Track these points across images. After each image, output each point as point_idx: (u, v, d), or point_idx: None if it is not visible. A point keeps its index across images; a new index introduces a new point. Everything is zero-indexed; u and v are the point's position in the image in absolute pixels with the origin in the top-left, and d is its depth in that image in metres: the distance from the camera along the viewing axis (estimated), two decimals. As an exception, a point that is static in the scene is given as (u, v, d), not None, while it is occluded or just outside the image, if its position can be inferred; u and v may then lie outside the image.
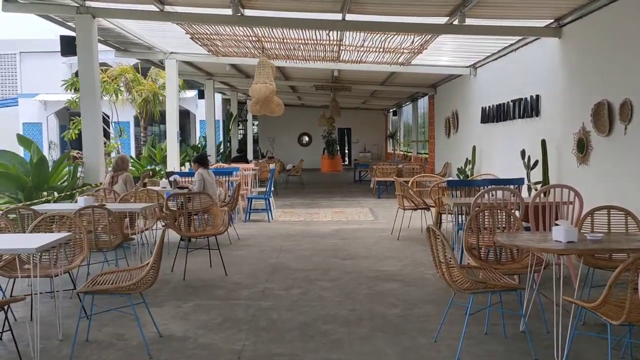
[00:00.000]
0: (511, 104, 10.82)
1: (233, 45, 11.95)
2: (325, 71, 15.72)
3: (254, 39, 11.22)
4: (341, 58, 13.00)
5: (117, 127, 18.29)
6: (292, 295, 5.77)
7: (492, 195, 6.20)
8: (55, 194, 8.62)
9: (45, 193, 8.56)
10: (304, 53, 12.49)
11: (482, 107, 12.59)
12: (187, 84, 22.17)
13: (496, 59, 11.86)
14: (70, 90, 17.40)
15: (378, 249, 8.11)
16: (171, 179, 8.57)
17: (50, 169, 8.68)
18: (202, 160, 8.70)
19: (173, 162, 13.75)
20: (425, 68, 13.82)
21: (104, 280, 4.24)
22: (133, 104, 20.64)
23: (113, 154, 17.72)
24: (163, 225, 7.09)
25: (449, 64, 13.87)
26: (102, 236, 5.95)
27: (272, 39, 11.19)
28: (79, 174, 9.24)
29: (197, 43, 11.83)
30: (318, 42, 11.18)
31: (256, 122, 33.29)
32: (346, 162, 32.52)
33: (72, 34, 9.53)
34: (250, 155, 27.47)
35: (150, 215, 7.00)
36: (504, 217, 5.25)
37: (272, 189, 12.72)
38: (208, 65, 15.92)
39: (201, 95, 19.13)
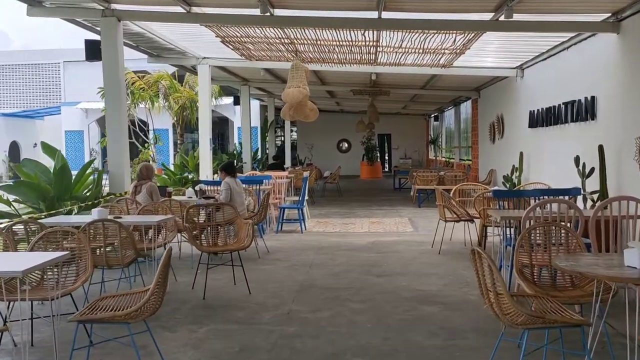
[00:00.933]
0: (563, 107, 10.00)
1: (265, 48, 11.49)
2: (362, 75, 15.14)
3: (286, 41, 10.73)
4: (379, 61, 12.39)
5: (154, 134, 18.13)
6: (319, 319, 5.19)
7: (545, 208, 5.49)
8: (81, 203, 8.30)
9: (68, 203, 8.23)
10: (339, 56, 11.94)
11: (530, 111, 11.77)
12: (224, 91, 21.91)
13: (546, 58, 11.04)
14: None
15: (417, 265, 7.46)
16: (197, 188, 8.13)
17: (73, 178, 8.35)
18: (229, 169, 8.24)
19: (206, 171, 13.36)
20: (467, 70, 13.08)
21: (103, 306, 3.76)
22: (170, 111, 20.48)
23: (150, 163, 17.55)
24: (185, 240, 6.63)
25: (493, 66, 13.08)
26: (113, 252, 5.50)
27: (305, 41, 10.68)
28: (103, 183, 8.90)
29: (228, 47, 11.42)
30: (353, 43, 10.61)
31: (294, 129, 32.92)
32: (386, 169, 31.78)
33: (98, 37, 9.23)
34: (287, 162, 27.09)
35: (170, 228, 6.55)
36: (560, 233, 4.56)
37: (307, 197, 12.19)
38: (242, 70, 15.54)
39: (237, 101, 18.80)
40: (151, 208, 6.86)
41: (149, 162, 16.84)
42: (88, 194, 8.43)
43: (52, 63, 35.08)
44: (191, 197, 8.29)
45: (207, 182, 10.26)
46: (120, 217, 5.91)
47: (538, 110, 11.36)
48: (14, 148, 33.11)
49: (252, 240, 6.11)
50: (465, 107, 20.52)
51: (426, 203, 14.77)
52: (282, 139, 30.86)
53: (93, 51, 9.02)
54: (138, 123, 20.81)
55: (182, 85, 21.13)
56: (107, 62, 8.81)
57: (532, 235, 4.54)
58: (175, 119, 20.82)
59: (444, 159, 25.92)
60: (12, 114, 32.87)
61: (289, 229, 10.71)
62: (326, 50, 11.30)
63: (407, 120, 30.81)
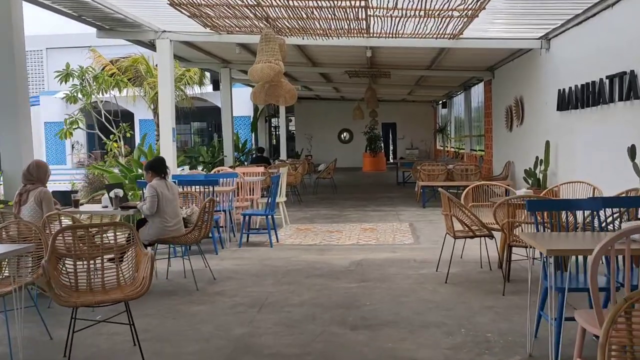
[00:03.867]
0: (606, 82, 7.68)
1: (229, 14, 9.24)
2: (355, 51, 12.84)
3: (251, 2, 8.47)
4: (372, 31, 10.10)
5: (121, 125, 15.96)
6: None
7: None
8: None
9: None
10: (322, 23, 9.66)
11: (560, 90, 9.46)
12: (211, 77, 19.68)
13: (581, 22, 8.72)
14: (65, 82, 15.26)
15: (414, 304, 5.23)
16: (112, 194, 5.92)
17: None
18: (156, 167, 6.04)
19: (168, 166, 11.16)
20: (480, 42, 10.75)
21: None
22: (145, 98, 18.29)
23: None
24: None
25: (511, 36, 10.74)
26: None
27: (276, 2, 8.42)
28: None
29: (182, 12, 9.17)
30: (336, 5, 8.34)
31: (293, 119, 30.67)
32: (391, 160, 29.47)
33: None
34: (283, 155, 24.87)
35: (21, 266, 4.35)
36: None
37: (284, 198, 9.96)
38: (214, 47, 13.31)
39: (216, 86, 16.57)
40: (26, 229, 4.64)
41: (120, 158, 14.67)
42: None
43: (35, 51, 32.96)
44: (107, 207, 6.08)
45: (182, 179, 8.09)
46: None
47: (571, 88, 9.06)
48: (-6, 141, 31.00)
49: (148, 286, 3.88)
50: (477, 91, 18.18)
51: (432, 202, 12.50)
52: (285, 129, 28.49)
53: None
54: (121, 113, 18.79)
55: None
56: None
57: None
58: (152, 107, 18.63)
59: (453, 149, 23.61)
60: (-10, 105, 30.72)
61: (257, 241, 8.50)
62: (304, 15, 9.03)
63: (413, 107, 28.45)
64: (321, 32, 10.25)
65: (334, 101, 28.04)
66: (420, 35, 10.19)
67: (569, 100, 9.14)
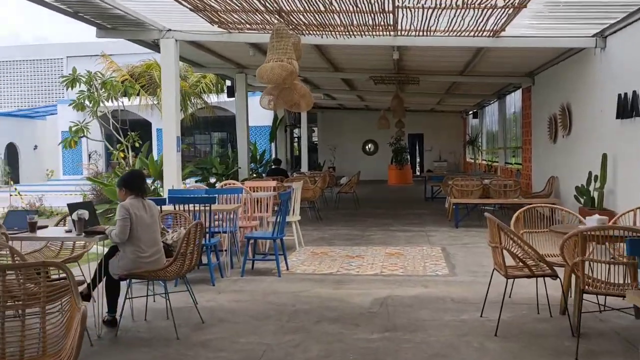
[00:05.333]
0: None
1: (236, 7, 8.10)
2: (382, 54, 11.62)
3: (261, -8, 7.33)
4: (400, 26, 8.86)
5: (130, 134, 14.95)
6: None
7: None
8: None
9: None
10: (342, 18, 8.45)
11: (620, 95, 8.09)
12: (224, 82, 18.63)
13: (648, 14, 7.38)
14: (71, 88, 14.33)
15: (456, 368, 3.93)
16: (74, 216, 4.75)
17: None
18: (130, 183, 4.86)
19: (171, 179, 10.04)
20: (524, 41, 9.42)
21: None
22: (159, 106, 17.29)
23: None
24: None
25: (559, 34, 9.39)
26: None
27: (289, -9, 7.27)
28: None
29: (183, 4, 8.06)
30: (359, -5, 7.15)
31: (316, 129, 29.51)
32: (418, 173, 28.06)
33: None
34: (304, 166, 23.66)
35: None
36: None
37: (297, 218, 8.74)
38: (227, 50, 12.21)
39: (230, 93, 15.47)
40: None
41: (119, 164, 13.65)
42: None
43: (54, 59, 32.50)
44: (71, 232, 4.91)
45: (173, 196, 6.94)
46: None
47: (635, 92, 7.69)
48: (12, 150, 30.53)
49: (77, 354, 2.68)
50: (513, 99, 16.79)
51: (466, 222, 11.15)
52: (307, 139, 27.21)
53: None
54: (139, 122, 17.91)
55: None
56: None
57: None
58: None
59: (484, 162, 22.16)
60: (7, 114, 30.28)
61: (264, 268, 7.27)
62: (321, 6, 7.83)
63: (441, 118, 27.04)
64: (342, 29, 9.04)
65: (359, 111, 26.82)
66: (455, 32, 8.91)
67: (632, 107, 7.77)
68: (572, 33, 9.20)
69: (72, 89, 14.47)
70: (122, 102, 15.33)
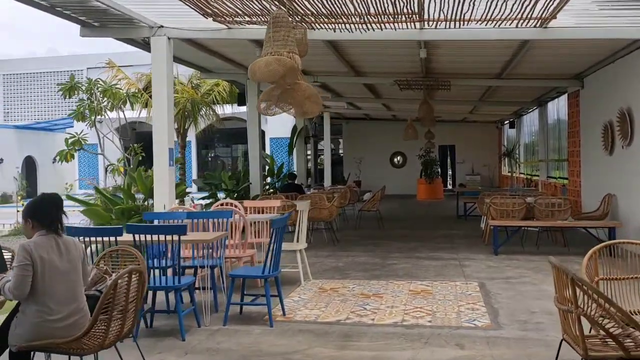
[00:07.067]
0: None
1: (227, -9, 6.72)
2: (407, 52, 10.11)
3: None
4: (427, 15, 7.35)
5: (131, 146, 13.71)
6: None
7: None
8: None
9: None
10: (357, 5, 6.97)
11: None
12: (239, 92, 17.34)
13: None
14: (69, 97, 13.24)
15: None
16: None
17: None
18: (38, 213, 3.45)
19: (162, 197, 8.69)
20: (580, 32, 7.81)
21: None
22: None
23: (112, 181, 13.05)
24: None
25: (620, 24, 7.76)
26: None
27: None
28: None
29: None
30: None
31: (341, 140, 28.05)
32: (449, 186, 26.33)
33: None
34: (327, 181, 22.19)
35: None
36: None
37: (305, 241, 7.23)
38: (230, 49, 10.87)
39: (242, 101, 14.13)
40: None
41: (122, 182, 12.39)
42: None
43: (75, 70, 31.81)
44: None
45: (131, 225, 5.56)
46: None
47: None
48: (30, 164, 29.83)
49: None
50: (556, 106, 15.08)
51: (507, 247, 9.51)
52: (333, 151, 25.78)
53: None
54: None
55: (185, 85, 16.74)
56: None
57: None
58: (175, 125, 16.38)
59: (522, 175, 20.38)
60: (25, 127, 29.62)
61: (255, 313, 5.80)
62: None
63: (474, 128, 25.30)
64: (357, 19, 7.57)
65: (385, 121, 25.29)
66: (494, 22, 7.36)
67: None
68: (633, 23, 7.57)
69: (69, 98, 13.41)
70: (122, 111, 14.20)
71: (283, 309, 5.70)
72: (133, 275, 3.35)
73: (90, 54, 31.92)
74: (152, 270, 5.07)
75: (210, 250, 6.06)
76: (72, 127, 28.58)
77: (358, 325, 5.36)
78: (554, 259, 3.26)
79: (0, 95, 33.47)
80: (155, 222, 6.48)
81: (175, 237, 4.90)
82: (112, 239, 4.82)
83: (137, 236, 4.91)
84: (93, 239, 4.86)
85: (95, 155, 27.63)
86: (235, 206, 8.05)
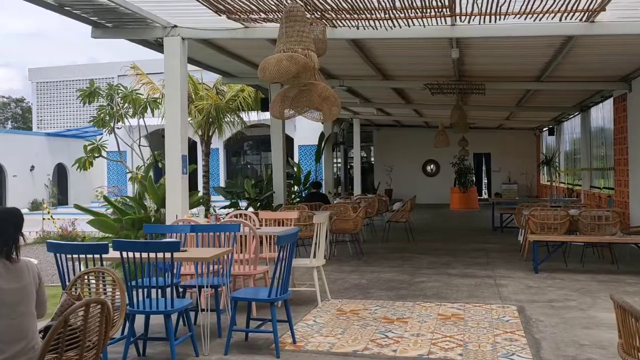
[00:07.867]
0: None
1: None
2: (438, 53, 9.42)
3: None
4: (459, 9, 6.65)
5: (152, 152, 13.33)
6: None
7: None
8: None
9: None
10: (382, -2, 6.33)
11: None
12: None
13: None
14: (88, 103, 12.94)
15: None
16: None
17: None
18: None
19: (175, 207, 8.17)
20: (632, 26, 7.02)
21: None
22: (193, 122, 15.65)
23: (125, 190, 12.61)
24: None
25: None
26: None
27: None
28: None
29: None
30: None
31: (372, 148, 27.33)
32: (484, 195, 25.33)
33: None
34: (357, 189, 21.48)
35: None
36: None
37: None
38: (250, 51, 10.35)
39: (265, 105, 13.60)
40: None
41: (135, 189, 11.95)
42: None
43: (106, 78, 31.95)
44: None
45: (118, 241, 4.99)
46: None
47: None
48: (61, 171, 29.96)
49: None
50: (600, 111, 14.12)
51: (549, 264, 8.68)
52: (364, 158, 25.06)
53: None
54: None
55: (209, 91, 16.29)
56: None
57: None
58: (199, 132, 15.96)
59: (563, 185, 19.34)
60: (57, 134, 29.78)
61: (262, 339, 5.17)
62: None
63: (510, 135, 24.29)
64: (382, 14, 6.92)
65: (417, 128, 24.51)
66: (534, 15, 6.62)
67: None
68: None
69: (89, 104, 13.10)
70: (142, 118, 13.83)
71: (293, 336, 5.05)
72: (92, 309, 2.75)
73: (122, 61, 32.01)
74: (145, 291, 4.50)
75: (218, 267, 5.48)
76: (102, 134, 28.72)
77: (377, 358, 4.67)
78: (619, 298, 2.53)
79: (34, 103, 33.86)
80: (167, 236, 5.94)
81: (168, 255, 4.32)
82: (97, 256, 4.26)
83: (124, 254, 4.34)
84: (76, 256, 4.31)
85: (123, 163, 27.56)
86: (249, 217, 7.46)
